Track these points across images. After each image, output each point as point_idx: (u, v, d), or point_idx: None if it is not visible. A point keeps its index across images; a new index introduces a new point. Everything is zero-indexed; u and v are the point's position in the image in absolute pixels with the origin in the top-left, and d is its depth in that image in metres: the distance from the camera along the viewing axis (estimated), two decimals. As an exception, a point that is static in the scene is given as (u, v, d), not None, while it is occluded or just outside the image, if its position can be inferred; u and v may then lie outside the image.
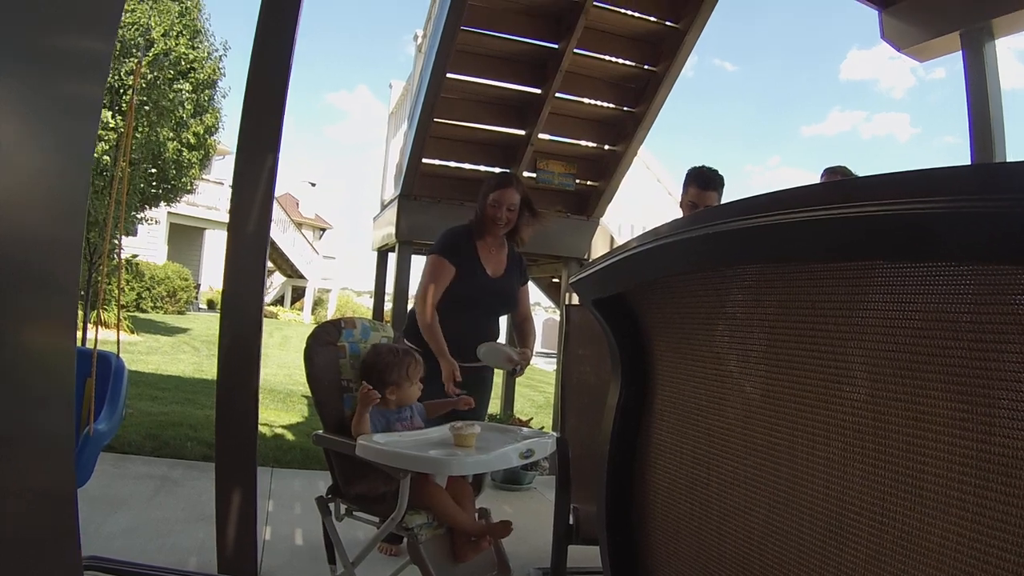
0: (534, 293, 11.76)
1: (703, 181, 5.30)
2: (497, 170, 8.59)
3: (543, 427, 5.53)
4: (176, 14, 20.38)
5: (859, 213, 1.16)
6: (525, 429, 4.16)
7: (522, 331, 5.34)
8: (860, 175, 5.43)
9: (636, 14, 7.94)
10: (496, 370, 5.18)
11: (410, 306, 5.64)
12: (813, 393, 1.43)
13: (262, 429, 4.46)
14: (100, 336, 4.13)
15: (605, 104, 8.62)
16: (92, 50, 1.39)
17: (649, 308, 1.99)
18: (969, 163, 5.99)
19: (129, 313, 24.01)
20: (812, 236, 1.26)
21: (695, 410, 1.82)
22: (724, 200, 5.35)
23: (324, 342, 3.95)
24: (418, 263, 8.58)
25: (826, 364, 1.40)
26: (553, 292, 11.64)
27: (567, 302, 7.75)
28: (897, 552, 1.24)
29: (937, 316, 1.19)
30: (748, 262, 1.56)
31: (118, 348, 4.54)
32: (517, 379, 5.02)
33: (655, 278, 1.87)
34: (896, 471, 1.25)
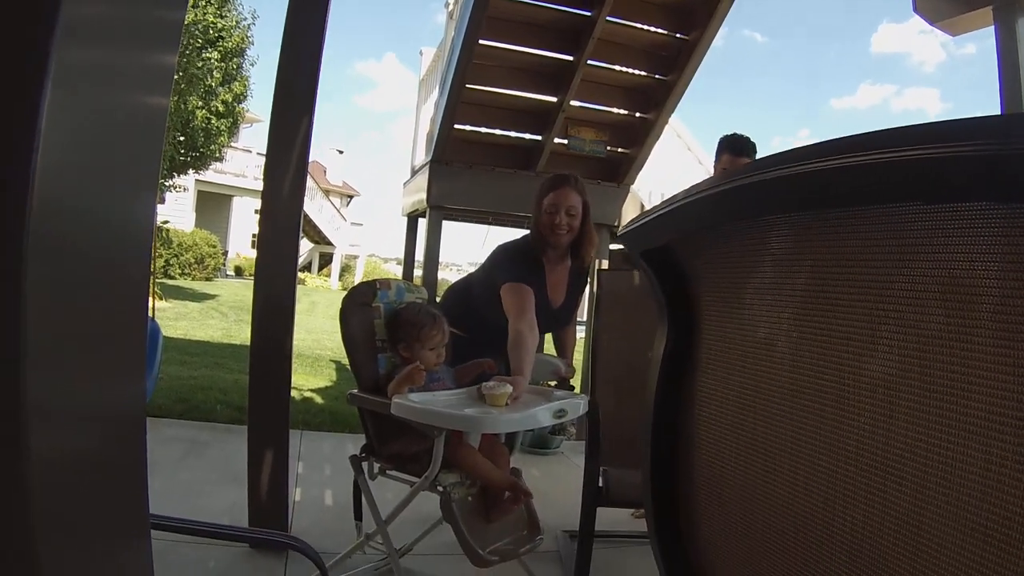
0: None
1: (736, 148, 5.31)
2: (528, 136, 8.60)
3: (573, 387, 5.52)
4: (205, -17, 20.41)
5: (900, 158, 1.18)
6: (557, 391, 4.18)
7: (562, 339, 4.99)
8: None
9: (669, -19, 7.91)
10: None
11: (440, 274, 5.57)
12: (859, 333, 1.44)
13: (291, 393, 4.50)
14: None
15: (637, 72, 8.56)
16: (165, 19, 1.41)
17: (695, 258, 2.00)
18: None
19: (157, 280, 24.13)
20: (854, 180, 1.28)
21: (740, 356, 1.83)
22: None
23: (359, 303, 3.95)
24: (449, 228, 8.60)
25: (873, 305, 1.41)
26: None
27: (598, 267, 7.76)
28: (941, 486, 1.26)
29: (984, 255, 1.20)
30: (792, 208, 1.57)
31: (152, 313, 4.59)
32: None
33: (701, 227, 1.88)
34: (941, 408, 1.26)
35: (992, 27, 6.22)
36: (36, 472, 1.07)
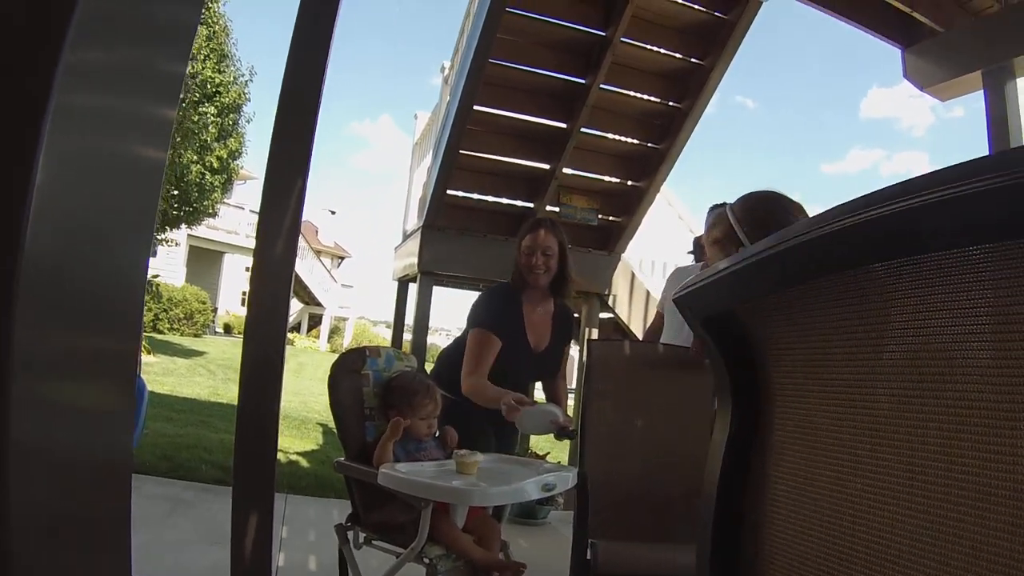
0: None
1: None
2: (520, 203, 8.64)
3: (559, 462, 5.48)
4: (204, 38, 20.53)
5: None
6: (545, 463, 4.15)
7: (552, 389, 4.92)
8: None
9: (663, 50, 8.00)
10: None
11: (430, 339, 5.56)
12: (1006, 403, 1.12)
13: (280, 456, 4.48)
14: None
15: (630, 140, 8.66)
16: (167, 71, 1.41)
17: (768, 325, 1.67)
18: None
19: (146, 334, 24.05)
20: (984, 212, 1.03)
21: (833, 437, 1.49)
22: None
23: (348, 370, 3.95)
24: (440, 295, 8.59)
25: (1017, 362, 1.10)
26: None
27: (588, 337, 7.76)
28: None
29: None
30: (900, 254, 1.27)
31: (139, 368, 4.57)
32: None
33: (775, 288, 1.57)
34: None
35: (981, 91, 6.32)
36: (15, 522, 1.06)
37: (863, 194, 1.20)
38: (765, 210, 2.49)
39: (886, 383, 1.35)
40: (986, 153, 5.87)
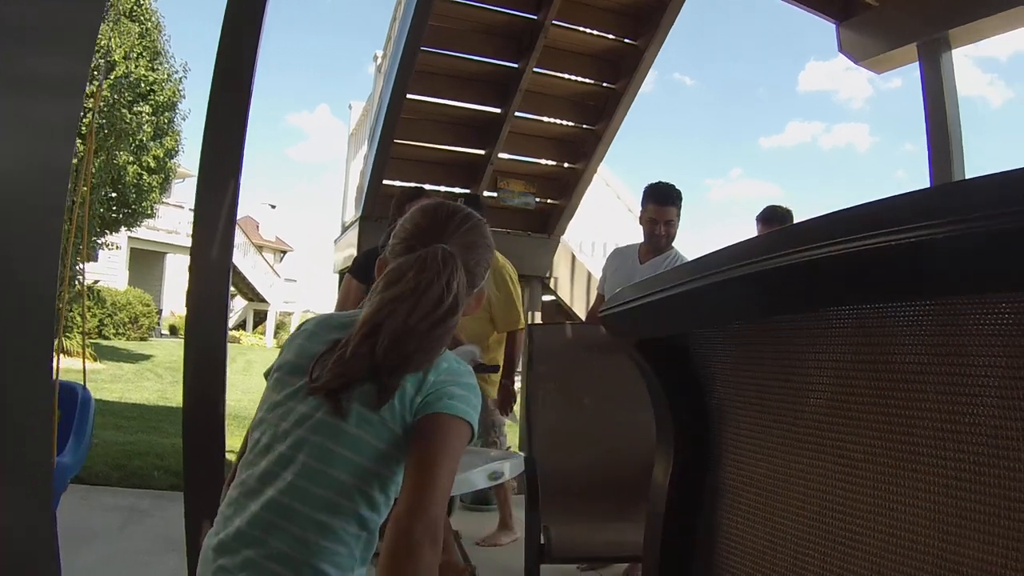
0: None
1: (660, 197, 5.30)
2: (458, 190, 8.61)
3: (509, 447, 5.49)
4: (136, 35, 20.24)
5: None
6: (492, 450, 4.16)
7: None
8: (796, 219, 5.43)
9: (595, 32, 8.00)
10: None
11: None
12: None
13: (229, 456, 4.43)
14: (64, 365, 4.07)
15: (565, 122, 8.67)
16: (68, 72, 1.40)
17: (720, 354, 1.41)
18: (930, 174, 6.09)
19: (91, 340, 23.67)
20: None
21: (799, 482, 1.25)
22: (682, 215, 5.36)
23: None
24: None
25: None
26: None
27: (531, 321, 7.75)
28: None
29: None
30: (879, 298, 1.09)
31: (84, 378, 4.51)
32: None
33: (734, 318, 1.31)
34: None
35: (916, 63, 6.36)
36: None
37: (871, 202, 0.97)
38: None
39: (866, 429, 1.15)
40: (923, 124, 5.93)
